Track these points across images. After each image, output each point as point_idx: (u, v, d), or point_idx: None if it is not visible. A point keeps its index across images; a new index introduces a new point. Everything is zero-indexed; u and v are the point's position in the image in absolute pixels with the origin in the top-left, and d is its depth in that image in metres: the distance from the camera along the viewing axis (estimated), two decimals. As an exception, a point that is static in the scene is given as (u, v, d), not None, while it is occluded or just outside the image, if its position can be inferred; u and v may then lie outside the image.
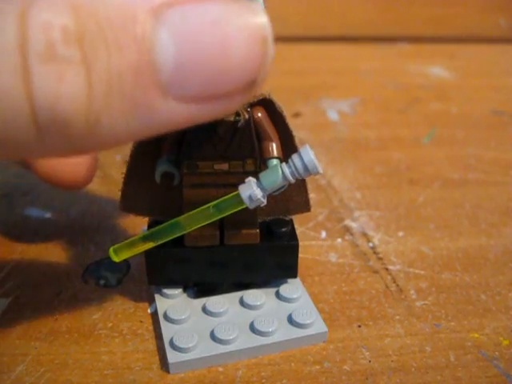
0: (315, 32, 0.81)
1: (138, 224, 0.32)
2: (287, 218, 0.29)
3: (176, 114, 0.17)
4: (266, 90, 0.26)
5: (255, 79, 0.17)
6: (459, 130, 0.52)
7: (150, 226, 0.28)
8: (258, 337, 0.26)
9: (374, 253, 0.34)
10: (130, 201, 0.28)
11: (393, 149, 0.48)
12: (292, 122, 0.26)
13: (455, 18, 0.83)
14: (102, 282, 0.31)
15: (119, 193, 0.28)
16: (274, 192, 0.25)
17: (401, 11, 0.82)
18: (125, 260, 0.29)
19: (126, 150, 0.27)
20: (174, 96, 0.16)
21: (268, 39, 0.16)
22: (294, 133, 0.27)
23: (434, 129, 0.52)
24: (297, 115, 0.55)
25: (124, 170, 0.27)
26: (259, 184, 0.25)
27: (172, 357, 0.25)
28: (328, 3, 0.81)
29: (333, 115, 0.56)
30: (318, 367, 0.26)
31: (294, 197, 0.29)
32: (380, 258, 0.33)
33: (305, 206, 0.29)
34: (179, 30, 0.16)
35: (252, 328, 0.27)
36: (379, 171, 0.44)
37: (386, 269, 0.32)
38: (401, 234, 0.36)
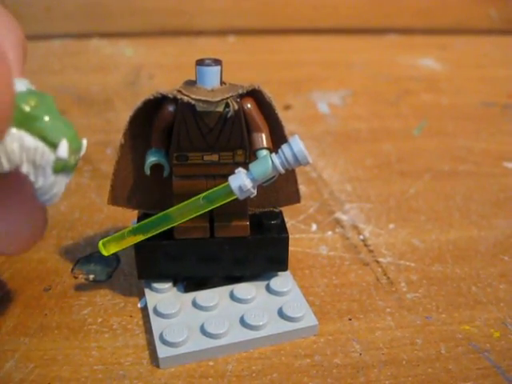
0: (306, 24, 0.81)
1: (128, 218, 0.32)
2: (277, 210, 0.29)
3: None
4: (256, 82, 0.26)
5: None
6: (450, 121, 0.52)
7: (139, 219, 0.28)
8: (249, 331, 0.26)
9: (365, 245, 0.34)
10: (120, 194, 0.28)
11: (383, 141, 0.48)
12: (282, 115, 0.26)
13: (446, 10, 0.83)
14: (91, 276, 0.31)
15: (109, 187, 0.27)
16: (264, 183, 0.25)
17: (391, 3, 0.82)
18: (114, 254, 0.29)
19: (117, 143, 0.27)
20: None
21: None
22: (284, 124, 0.26)
23: (424, 120, 0.52)
24: (287, 108, 0.55)
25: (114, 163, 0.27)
26: (249, 174, 0.25)
27: (162, 351, 0.25)
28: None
29: (323, 107, 0.56)
30: (308, 360, 0.26)
31: (283, 188, 0.28)
32: (371, 251, 0.33)
33: (295, 197, 0.29)
34: None
35: (242, 322, 0.27)
36: (370, 163, 0.44)
37: (377, 261, 0.32)
38: (391, 226, 0.36)
